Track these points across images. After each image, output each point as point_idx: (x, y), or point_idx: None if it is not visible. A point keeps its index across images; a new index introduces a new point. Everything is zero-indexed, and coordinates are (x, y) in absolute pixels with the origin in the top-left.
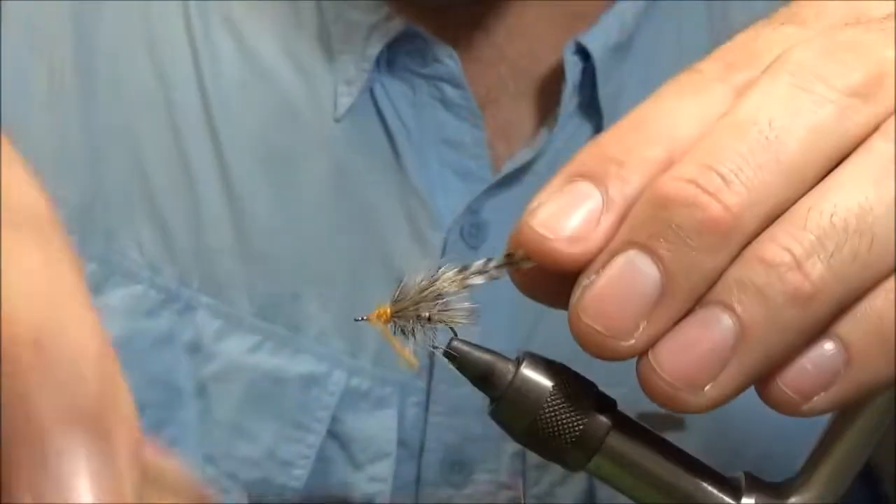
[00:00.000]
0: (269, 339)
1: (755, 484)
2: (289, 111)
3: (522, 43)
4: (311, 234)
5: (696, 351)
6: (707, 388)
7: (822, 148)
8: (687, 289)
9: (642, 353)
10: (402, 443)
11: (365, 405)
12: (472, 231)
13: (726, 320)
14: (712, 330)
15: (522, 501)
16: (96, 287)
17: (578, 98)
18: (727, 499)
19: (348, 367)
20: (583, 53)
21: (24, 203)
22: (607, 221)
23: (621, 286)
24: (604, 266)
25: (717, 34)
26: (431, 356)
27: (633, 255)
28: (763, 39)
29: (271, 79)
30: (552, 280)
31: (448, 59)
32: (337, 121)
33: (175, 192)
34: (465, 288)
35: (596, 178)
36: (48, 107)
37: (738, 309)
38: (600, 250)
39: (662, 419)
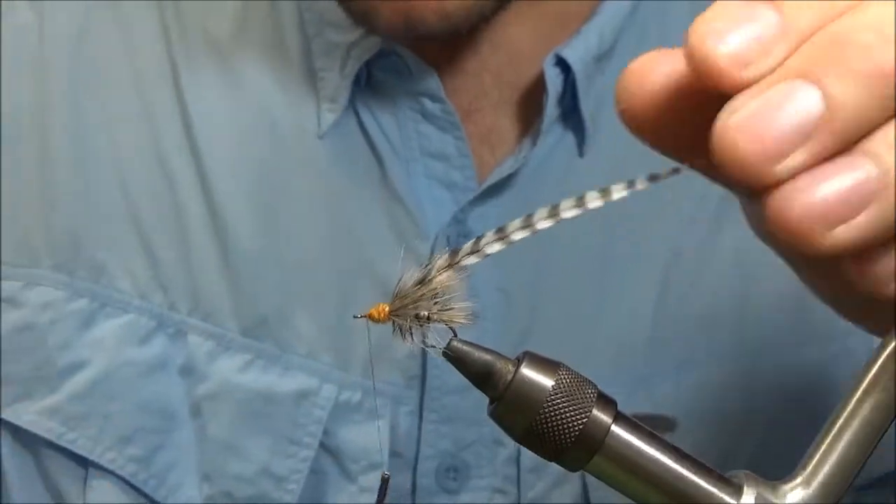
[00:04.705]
0: (259, 357)
1: (755, 483)
2: (272, 131)
3: (505, 54)
4: (298, 251)
5: (838, 189)
6: (839, 228)
7: None
8: (846, 129)
9: (775, 187)
10: (396, 453)
11: (357, 417)
12: (458, 240)
13: (871, 169)
14: (857, 173)
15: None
16: (88, 321)
17: (560, 109)
18: (727, 498)
19: (338, 380)
20: (563, 65)
21: None
22: (781, 51)
23: (782, 111)
24: (767, 88)
25: None
26: (424, 365)
27: (799, 84)
28: None
29: (254, 99)
30: (664, 115)
31: (426, 75)
32: (320, 138)
33: (161, 218)
34: (461, 271)
35: (776, 2)
36: (34, 134)
37: (886, 160)
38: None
39: (654, 421)
